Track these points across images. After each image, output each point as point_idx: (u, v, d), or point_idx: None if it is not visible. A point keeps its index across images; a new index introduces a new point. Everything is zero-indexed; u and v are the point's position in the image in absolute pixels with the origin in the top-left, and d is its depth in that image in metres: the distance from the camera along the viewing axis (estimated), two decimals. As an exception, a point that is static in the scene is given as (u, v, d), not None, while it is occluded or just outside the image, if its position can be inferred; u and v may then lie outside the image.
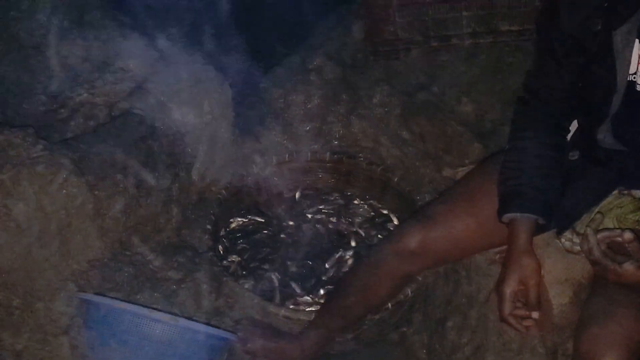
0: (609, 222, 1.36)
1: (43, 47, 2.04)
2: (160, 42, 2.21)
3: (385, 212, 2.24)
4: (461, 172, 1.98)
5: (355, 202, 2.29)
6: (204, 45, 2.49)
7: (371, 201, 2.28)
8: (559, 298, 1.45)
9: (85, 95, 2.03)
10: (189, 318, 1.56)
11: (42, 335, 1.47)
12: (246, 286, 1.92)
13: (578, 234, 1.38)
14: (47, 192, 1.53)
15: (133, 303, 1.48)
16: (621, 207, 1.38)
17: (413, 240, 1.51)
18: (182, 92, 2.01)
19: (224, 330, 1.57)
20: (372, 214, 2.25)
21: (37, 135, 1.64)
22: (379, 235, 2.14)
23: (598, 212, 1.38)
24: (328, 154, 2.28)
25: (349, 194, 2.31)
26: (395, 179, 2.20)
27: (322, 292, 1.96)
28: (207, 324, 1.55)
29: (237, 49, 2.54)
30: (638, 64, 1.27)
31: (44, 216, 1.52)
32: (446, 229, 1.49)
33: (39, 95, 2.01)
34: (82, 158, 1.62)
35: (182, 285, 1.71)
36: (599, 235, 1.18)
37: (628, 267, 1.15)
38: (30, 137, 1.61)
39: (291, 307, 1.89)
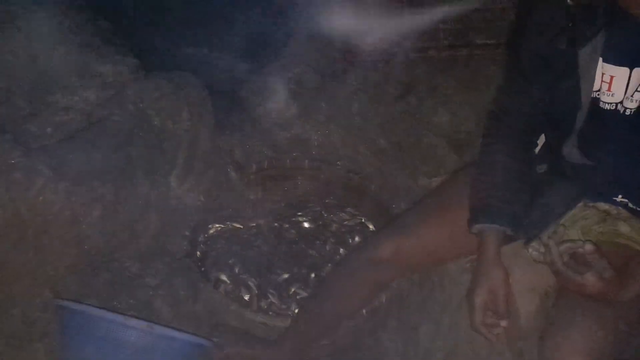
0: (574, 234, 1.39)
1: (21, 52, 2.04)
2: (140, 48, 2.22)
3: (362, 219, 2.27)
4: (436, 182, 2.02)
5: (333, 209, 2.31)
6: (184, 52, 2.51)
7: (349, 209, 2.30)
8: (526, 306, 1.48)
9: (64, 101, 2.03)
10: (166, 325, 1.57)
11: (18, 340, 1.48)
12: (223, 292, 1.93)
13: (545, 244, 1.42)
14: (24, 198, 1.53)
15: (109, 310, 1.48)
16: (586, 219, 1.42)
17: (387, 249, 1.53)
18: (161, 99, 2.02)
19: (201, 337, 1.58)
20: (350, 221, 2.27)
21: (15, 141, 1.64)
22: (356, 243, 2.17)
23: (561, 224, 1.42)
24: (307, 161, 2.31)
25: (327, 201, 2.33)
26: (373, 187, 2.23)
27: (298, 298, 1.98)
28: (184, 330, 1.56)
29: (217, 57, 2.57)
30: (602, 81, 1.31)
31: (20, 223, 1.53)
32: (419, 238, 1.52)
33: (17, 100, 2.01)
34: (60, 165, 1.63)
35: (159, 292, 1.72)
36: (562, 247, 1.21)
37: (589, 277, 1.18)
38: (7, 143, 1.61)
39: (268, 313, 1.91)
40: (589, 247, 1.18)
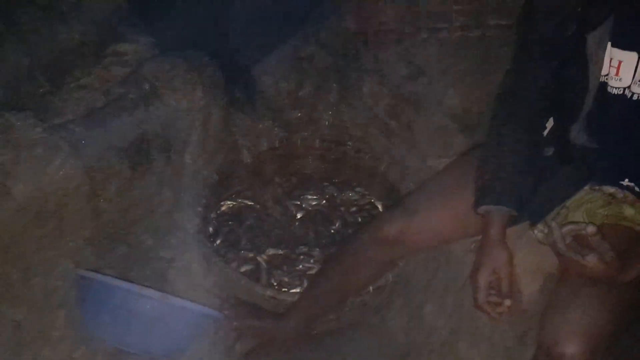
0: (578, 216, 1.41)
1: (42, 30, 2.08)
2: (156, 26, 2.24)
3: (371, 199, 2.31)
4: (444, 162, 2.02)
5: (343, 188, 2.34)
6: (198, 31, 2.53)
7: (358, 188, 2.34)
8: (529, 287, 1.50)
9: (82, 79, 2.07)
10: (179, 296, 1.60)
11: (39, 307, 1.52)
12: (234, 267, 1.98)
13: (549, 226, 1.44)
14: (45, 173, 1.57)
15: (126, 280, 1.52)
16: (592, 202, 1.43)
17: (392, 229, 1.56)
18: (176, 77, 2.05)
19: (212, 308, 1.62)
20: (359, 200, 2.31)
21: (36, 118, 1.69)
22: (365, 222, 2.21)
23: (565, 207, 1.43)
24: (317, 141, 2.33)
25: (336, 180, 2.36)
26: (382, 168, 2.26)
27: (306, 275, 2.03)
28: (196, 302, 1.60)
29: (230, 36, 2.58)
30: (610, 66, 1.32)
31: (42, 196, 1.57)
32: (425, 219, 1.54)
33: (38, 78, 2.05)
34: (79, 141, 1.67)
35: (173, 265, 1.76)
36: (565, 229, 1.23)
37: (590, 259, 1.20)
38: (29, 120, 1.65)
39: (277, 288, 1.96)
40: (591, 229, 1.20)
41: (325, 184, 2.35)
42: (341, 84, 2.38)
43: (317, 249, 2.12)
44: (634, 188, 1.44)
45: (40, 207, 1.57)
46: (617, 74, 1.33)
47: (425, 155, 2.23)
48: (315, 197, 2.30)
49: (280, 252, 2.10)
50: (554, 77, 1.40)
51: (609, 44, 1.32)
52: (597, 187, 1.47)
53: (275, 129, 2.32)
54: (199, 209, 2.03)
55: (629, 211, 1.42)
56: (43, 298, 1.55)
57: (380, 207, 2.27)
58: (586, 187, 1.48)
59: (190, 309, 1.53)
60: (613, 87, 1.34)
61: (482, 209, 1.42)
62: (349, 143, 2.33)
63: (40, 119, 1.68)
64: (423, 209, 1.55)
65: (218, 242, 2.10)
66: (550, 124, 1.50)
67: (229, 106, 2.20)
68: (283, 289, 1.97)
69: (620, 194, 1.45)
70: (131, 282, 1.51)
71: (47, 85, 1.99)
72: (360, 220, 2.23)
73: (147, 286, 1.53)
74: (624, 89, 1.34)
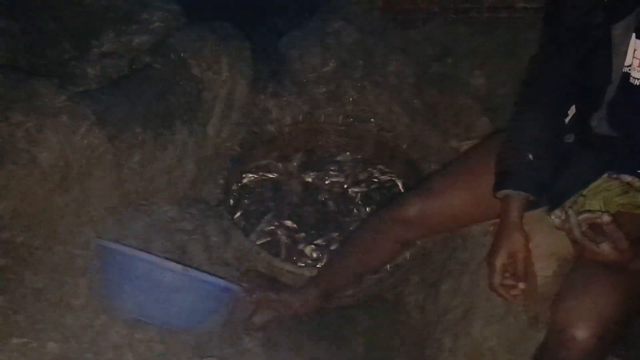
0: (595, 204, 1.42)
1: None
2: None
3: (392, 177, 2.31)
4: (466, 145, 2.03)
5: (364, 165, 2.35)
6: (226, 2, 2.52)
7: (380, 166, 2.34)
8: (544, 271, 1.51)
9: (108, 45, 2.08)
10: (199, 268, 1.63)
11: (61, 275, 1.55)
12: (254, 240, 2.01)
13: (565, 212, 1.45)
14: (70, 141, 1.60)
15: (147, 251, 1.54)
16: (609, 191, 1.44)
17: (412, 209, 1.59)
18: (202, 49, 2.06)
19: (230, 281, 1.64)
20: (380, 178, 2.32)
21: (61, 86, 1.70)
22: (385, 199, 2.21)
23: (581, 194, 1.44)
24: (341, 117, 2.33)
25: (358, 157, 2.37)
26: (404, 146, 2.26)
27: (325, 250, 2.05)
28: (215, 274, 1.62)
29: (258, 9, 2.57)
30: (633, 57, 1.32)
31: (65, 164, 1.59)
32: (445, 201, 1.56)
33: (64, 43, 2.07)
34: (104, 110, 1.69)
35: (194, 237, 1.78)
36: (581, 217, 1.24)
37: (604, 247, 1.22)
38: (54, 87, 1.67)
39: (295, 263, 1.98)
40: (606, 218, 1.21)
41: (347, 160, 2.36)
42: (367, 61, 2.37)
43: (337, 225, 2.14)
44: (650, 177, 1.44)
45: (64, 175, 1.60)
46: (639, 65, 1.33)
47: (448, 135, 2.23)
48: (336, 172, 2.31)
49: (300, 226, 2.12)
50: (578, 65, 1.41)
51: (634, 35, 1.32)
52: (615, 176, 1.47)
53: (300, 103, 2.33)
54: (221, 181, 2.05)
55: (645, 200, 1.42)
56: (65, 266, 1.58)
57: (400, 185, 2.27)
58: (604, 176, 1.48)
59: (210, 281, 1.55)
60: (635, 78, 1.34)
61: (502, 193, 1.43)
62: (372, 120, 2.33)
63: (65, 87, 1.70)
64: (444, 191, 1.57)
65: (238, 214, 2.13)
66: (572, 111, 1.50)
67: (254, 79, 2.21)
68: (302, 264, 1.99)
69: (637, 182, 1.45)
70: (152, 253, 1.53)
71: (73, 52, 2.00)
72: (380, 197, 2.24)
73: (168, 258, 1.55)
74: None
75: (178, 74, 1.98)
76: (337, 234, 2.11)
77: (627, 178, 1.44)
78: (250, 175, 2.26)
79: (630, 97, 1.35)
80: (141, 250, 1.54)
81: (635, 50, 1.32)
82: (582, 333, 1.25)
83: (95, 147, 1.64)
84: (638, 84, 1.33)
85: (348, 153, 2.38)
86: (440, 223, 1.60)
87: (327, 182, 2.28)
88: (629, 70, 1.34)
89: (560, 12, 1.39)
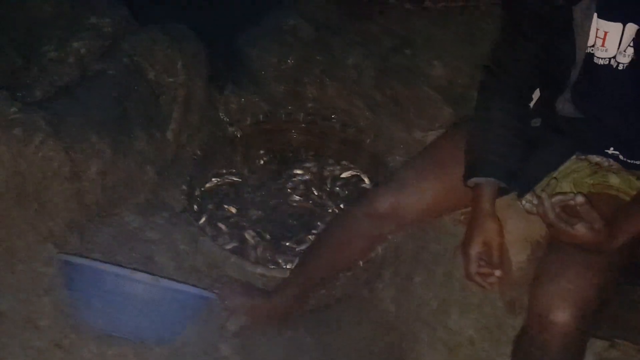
0: (566, 186, 1.43)
1: (13, 4, 2.01)
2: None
3: (357, 172, 2.29)
4: (431, 135, 2.03)
5: (329, 162, 2.32)
6: (177, 4, 2.48)
7: (344, 162, 2.32)
8: (517, 256, 1.53)
9: (56, 53, 2.01)
10: (169, 278, 1.60)
11: (25, 295, 1.50)
12: (222, 245, 1.96)
13: (537, 196, 1.45)
14: (24, 155, 1.54)
15: (113, 264, 1.51)
16: (578, 172, 1.45)
17: (384, 204, 1.57)
18: (156, 52, 2.01)
19: (203, 288, 1.62)
20: (345, 174, 2.30)
21: (11, 97, 1.64)
22: (351, 195, 2.20)
23: (553, 177, 1.45)
24: (302, 115, 2.31)
25: (322, 154, 2.34)
26: (368, 141, 2.25)
27: (295, 250, 2.02)
28: (186, 282, 1.60)
29: (211, 9, 2.53)
30: (596, 37, 1.34)
31: (21, 179, 1.54)
32: (416, 193, 1.55)
33: (10, 53, 1.99)
34: (58, 120, 1.63)
35: (160, 246, 1.74)
36: (554, 199, 1.24)
37: (579, 228, 1.22)
38: (4, 98, 1.60)
39: (266, 265, 1.94)
40: (579, 199, 1.21)
41: (311, 158, 2.34)
42: (325, 56, 2.35)
43: (305, 225, 2.11)
44: (618, 156, 1.46)
45: (20, 191, 1.54)
46: (603, 44, 1.34)
47: (412, 127, 2.23)
48: (301, 171, 2.28)
49: (268, 228, 2.09)
50: (541, 48, 1.41)
51: (595, 15, 1.33)
52: (583, 157, 1.49)
53: (259, 102, 2.30)
54: (184, 186, 2.00)
55: (614, 180, 1.44)
56: (28, 285, 1.53)
57: (366, 181, 2.26)
58: (573, 157, 1.50)
59: (182, 290, 1.52)
60: (599, 58, 1.36)
61: (472, 181, 1.43)
62: (334, 116, 2.31)
63: (15, 98, 1.64)
64: (414, 183, 1.55)
65: (203, 219, 2.08)
66: (536, 95, 1.51)
67: (212, 80, 2.17)
68: (272, 266, 1.96)
69: (605, 162, 1.47)
70: (119, 265, 1.50)
71: (20, 61, 1.93)
72: (347, 193, 2.22)
73: (136, 269, 1.51)
74: (610, 59, 1.35)
75: (133, 79, 1.94)
76: (306, 233, 2.08)
77: (596, 158, 1.46)
78: (214, 179, 2.22)
79: (594, 77, 1.36)
80: (107, 262, 1.50)
81: (597, 29, 1.33)
82: (562, 316, 1.25)
83: (51, 160, 1.59)
84: (602, 63, 1.35)
85: (312, 151, 2.35)
86: (413, 215, 1.59)
87: (292, 182, 2.25)
88: (593, 50, 1.35)
89: None
